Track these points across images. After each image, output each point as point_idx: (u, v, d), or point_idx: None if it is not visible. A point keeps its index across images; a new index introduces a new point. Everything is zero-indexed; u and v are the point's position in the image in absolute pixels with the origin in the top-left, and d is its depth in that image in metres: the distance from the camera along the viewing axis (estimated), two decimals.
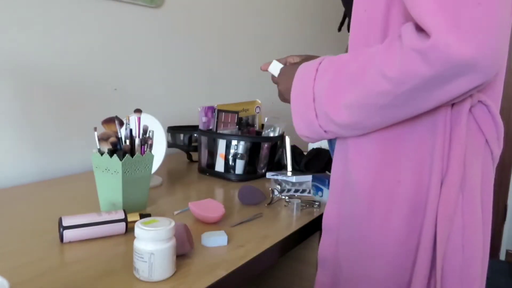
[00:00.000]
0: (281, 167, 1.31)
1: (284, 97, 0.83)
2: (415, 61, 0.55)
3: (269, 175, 1.07)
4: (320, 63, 0.71)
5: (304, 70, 0.74)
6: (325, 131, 0.71)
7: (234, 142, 1.16)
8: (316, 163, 1.21)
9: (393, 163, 0.68)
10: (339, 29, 0.96)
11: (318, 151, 1.24)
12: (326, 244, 0.78)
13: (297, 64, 0.81)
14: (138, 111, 0.87)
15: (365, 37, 0.68)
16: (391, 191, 0.67)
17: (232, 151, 1.16)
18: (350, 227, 0.73)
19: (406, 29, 0.58)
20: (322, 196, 0.99)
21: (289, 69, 0.83)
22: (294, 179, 0.99)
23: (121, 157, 0.81)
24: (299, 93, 0.73)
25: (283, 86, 0.83)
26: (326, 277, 0.78)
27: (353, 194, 0.71)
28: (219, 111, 1.21)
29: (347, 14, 0.85)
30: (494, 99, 0.68)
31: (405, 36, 0.57)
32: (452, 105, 0.64)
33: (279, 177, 1.00)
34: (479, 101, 0.65)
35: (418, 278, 0.66)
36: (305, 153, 1.30)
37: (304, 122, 0.73)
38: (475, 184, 0.66)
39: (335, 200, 0.76)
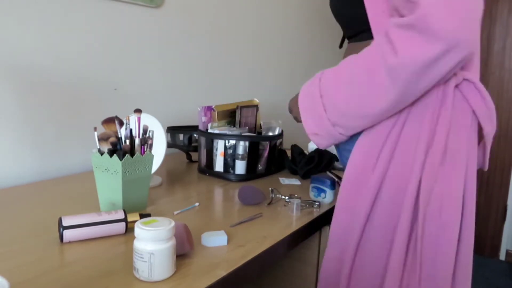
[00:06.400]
0: (283, 167, 1.31)
1: (295, 114, 0.92)
2: (415, 43, 0.62)
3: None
4: (323, 72, 0.80)
5: (308, 82, 0.83)
6: (333, 125, 0.77)
7: (233, 142, 1.16)
8: (315, 170, 1.21)
9: (390, 142, 0.74)
10: (340, 46, 1.01)
11: (318, 154, 1.24)
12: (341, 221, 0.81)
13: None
14: (138, 111, 0.87)
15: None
16: (385, 168, 0.74)
17: (231, 151, 1.16)
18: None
19: (396, 21, 0.65)
20: (325, 197, 0.99)
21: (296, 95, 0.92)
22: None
23: (121, 157, 0.81)
24: (306, 95, 0.81)
25: (291, 103, 0.93)
26: (336, 252, 0.82)
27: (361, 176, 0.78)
28: (242, 107, 1.27)
29: (344, 32, 0.91)
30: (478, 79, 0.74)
31: (394, 30, 0.65)
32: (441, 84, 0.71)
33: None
34: (465, 79, 0.72)
35: (397, 243, 0.72)
36: (306, 152, 1.30)
37: (313, 118, 0.79)
38: (457, 155, 0.71)
39: (352, 183, 0.79)
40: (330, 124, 0.77)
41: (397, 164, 0.73)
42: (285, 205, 0.96)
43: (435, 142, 0.70)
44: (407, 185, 0.72)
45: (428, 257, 0.72)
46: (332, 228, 0.82)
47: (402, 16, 0.67)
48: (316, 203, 0.95)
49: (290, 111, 0.94)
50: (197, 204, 0.94)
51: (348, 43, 0.89)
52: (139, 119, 0.88)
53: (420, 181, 0.71)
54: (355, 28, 0.84)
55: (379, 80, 0.68)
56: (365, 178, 0.76)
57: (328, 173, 1.29)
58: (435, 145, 0.70)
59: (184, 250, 0.66)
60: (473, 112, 0.73)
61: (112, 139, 0.82)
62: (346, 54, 0.88)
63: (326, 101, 0.76)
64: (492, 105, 0.73)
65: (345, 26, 0.88)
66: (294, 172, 1.26)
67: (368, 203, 0.75)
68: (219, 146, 1.17)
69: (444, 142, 0.70)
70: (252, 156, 1.18)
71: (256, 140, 1.18)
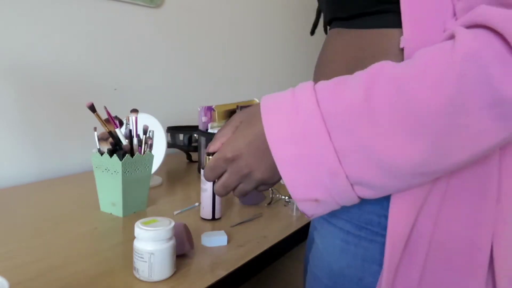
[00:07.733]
0: None
1: (250, 167, 0.51)
2: None
3: None
4: (313, 86, 0.49)
5: (281, 108, 0.49)
6: (353, 185, 0.45)
7: None
8: None
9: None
10: (312, 33, 0.78)
11: None
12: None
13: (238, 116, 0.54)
14: (134, 111, 0.87)
15: (427, 31, 0.44)
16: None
17: None
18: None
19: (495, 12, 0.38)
20: None
21: (235, 120, 0.53)
22: None
23: (121, 157, 0.81)
24: (290, 137, 0.45)
25: (235, 146, 0.50)
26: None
27: None
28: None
29: (329, 12, 0.61)
30: None
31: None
32: None
33: None
34: None
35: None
36: None
37: (310, 176, 0.45)
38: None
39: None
40: (347, 184, 0.44)
41: (450, 220, 0.47)
42: (285, 205, 0.96)
43: (503, 184, 0.46)
44: (473, 241, 0.47)
45: None
46: None
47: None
48: None
49: (231, 159, 0.51)
50: (197, 204, 0.94)
51: (330, 29, 0.61)
52: (136, 119, 0.88)
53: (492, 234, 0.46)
54: (354, 6, 0.52)
55: (477, 121, 0.40)
56: (408, 245, 0.48)
57: None
58: (504, 189, 0.46)
59: (184, 250, 0.66)
60: None
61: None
62: (331, 46, 0.59)
63: (345, 144, 0.43)
64: None
65: (338, 2, 0.56)
66: None
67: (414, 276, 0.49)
68: None
69: (504, 183, 0.47)
70: None
71: None
